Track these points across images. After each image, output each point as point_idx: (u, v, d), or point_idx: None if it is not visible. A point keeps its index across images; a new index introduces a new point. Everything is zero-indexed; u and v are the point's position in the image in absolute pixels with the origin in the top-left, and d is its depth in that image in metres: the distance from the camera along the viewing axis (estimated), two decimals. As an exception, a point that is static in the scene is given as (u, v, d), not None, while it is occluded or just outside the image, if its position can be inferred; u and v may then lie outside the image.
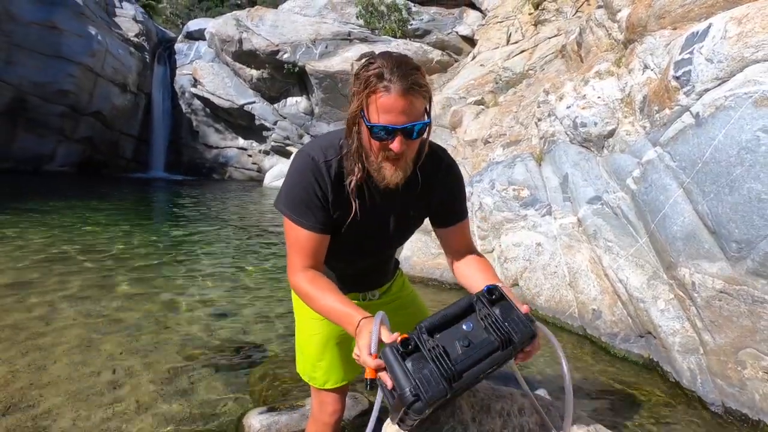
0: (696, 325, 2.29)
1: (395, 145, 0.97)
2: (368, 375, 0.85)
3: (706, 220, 2.20)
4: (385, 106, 0.94)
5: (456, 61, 12.03)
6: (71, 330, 2.85)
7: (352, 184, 1.07)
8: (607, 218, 3.05)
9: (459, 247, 1.24)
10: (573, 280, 3.14)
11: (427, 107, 1.00)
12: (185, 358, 2.58)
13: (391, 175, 1.03)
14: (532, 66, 7.79)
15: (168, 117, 15.15)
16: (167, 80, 15.21)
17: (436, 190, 1.18)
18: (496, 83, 8.10)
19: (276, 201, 1.14)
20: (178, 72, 15.25)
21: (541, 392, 2.01)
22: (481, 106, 7.37)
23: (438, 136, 6.72)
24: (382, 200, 1.13)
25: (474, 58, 10.25)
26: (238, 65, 14.00)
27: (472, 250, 1.25)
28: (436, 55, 12.35)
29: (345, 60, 12.12)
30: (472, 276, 1.17)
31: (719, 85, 2.22)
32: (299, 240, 1.10)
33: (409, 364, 0.81)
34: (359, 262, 1.29)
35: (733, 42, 2.18)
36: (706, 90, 2.28)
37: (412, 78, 0.94)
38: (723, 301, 2.12)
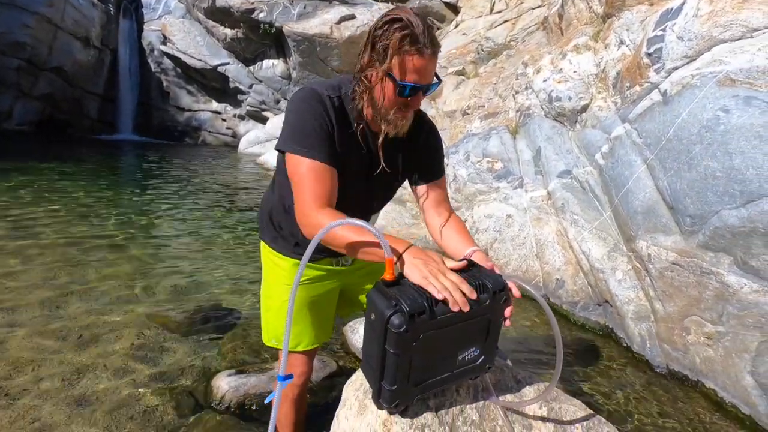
0: (649, 294, 2.43)
1: (416, 101, 1.06)
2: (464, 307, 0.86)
3: (665, 196, 2.29)
4: (416, 68, 1.00)
5: (438, 29, 11.75)
6: (34, 294, 2.78)
7: (354, 113, 1.10)
8: (575, 192, 3.13)
9: (439, 202, 1.29)
10: (540, 251, 3.25)
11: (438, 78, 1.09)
12: (154, 322, 2.57)
13: (402, 125, 1.09)
14: (514, 37, 7.71)
15: (135, 76, 14.34)
16: (134, 36, 14.31)
17: (421, 145, 1.25)
18: (478, 53, 8.00)
19: (278, 143, 1.09)
20: (145, 27, 14.34)
21: (501, 356, 2.11)
22: (462, 77, 7.29)
23: (417, 106, 6.63)
24: (376, 152, 1.16)
25: (457, 26, 10.04)
26: (210, 23, 13.28)
27: (448, 208, 1.31)
28: (418, 21, 12.02)
29: (324, 22, 11.65)
30: (451, 239, 1.23)
31: (688, 63, 2.26)
32: (311, 174, 1.02)
33: (391, 289, 0.88)
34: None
35: (704, 20, 2.21)
36: (675, 68, 2.32)
37: (437, 42, 1.02)
38: (675, 272, 2.24)
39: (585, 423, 1.10)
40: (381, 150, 1.13)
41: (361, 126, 1.11)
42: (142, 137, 14.35)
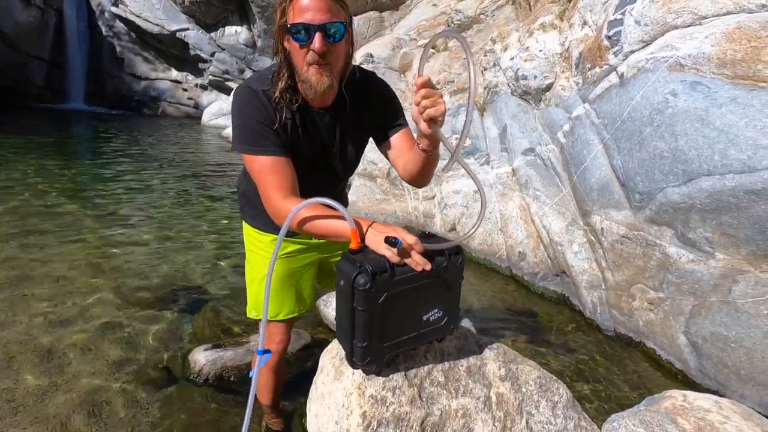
0: (601, 264, 2.64)
1: (315, 44, 1.00)
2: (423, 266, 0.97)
3: (618, 174, 2.46)
4: (303, 6, 0.99)
5: (408, -1, 11.51)
6: (-8, 275, 2.69)
7: (277, 93, 1.09)
8: (538, 169, 3.28)
9: (405, 151, 1.27)
10: (504, 225, 3.41)
11: (346, 20, 1.04)
12: (124, 302, 2.55)
13: (317, 81, 1.04)
14: (484, 10, 7.69)
15: (85, 40, 13.32)
16: (81, -5, 13.21)
17: (373, 104, 1.24)
18: (448, 26, 7.95)
19: (233, 145, 1.15)
20: (93, -14, 13.26)
21: (466, 324, 2.26)
22: (432, 50, 7.26)
23: (387, 79, 6.58)
24: (321, 127, 1.19)
25: (427, -4, 9.87)
26: (167, -16, 12.44)
27: None
28: (388, -10, 11.71)
29: (290, -12, 11.15)
30: (409, 159, 1.22)
31: (643, 47, 2.38)
32: (266, 169, 1.08)
33: (356, 255, 0.97)
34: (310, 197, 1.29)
35: (659, 6, 2.32)
36: (632, 51, 2.44)
37: None
38: (624, 245, 2.44)
39: (538, 380, 1.24)
40: (285, 102, 1.10)
41: (297, 105, 1.12)
42: (95, 107, 13.49)
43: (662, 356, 2.28)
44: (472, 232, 1.09)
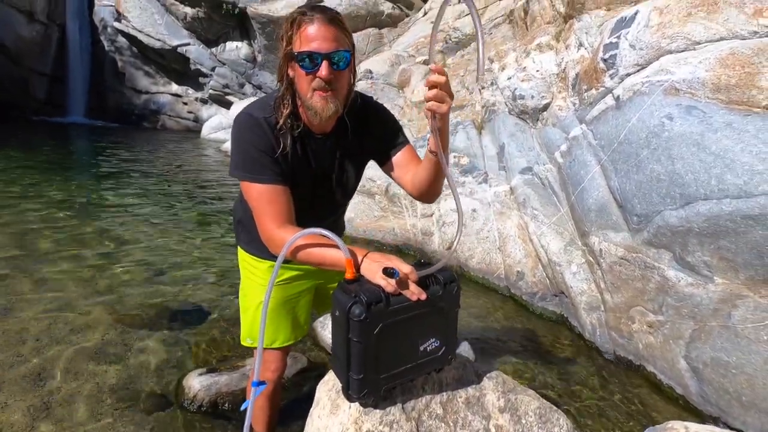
0: (600, 286, 2.62)
1: (322, 71, 1.02)
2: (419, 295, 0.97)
3: (616, 195, 2.46)
4: (310, 35, 1.01)
5: (407, 16, 11.71)
6: (-14, 294, 2.66)
7: (281, 119, 1.10)
8: (536, 188, 3.29)
9: (410, 167, 1.25)
10: (502, 244, 3.40)
11: (350, 49, 1.06)
12: (119, 322, 2.52)
13: (322, 107, 1.06)
14: (481, 28, 7.82)
15: (87, 54, 13.46)
16: (84, 11, 13.39)
17: (372, 128, 1.25)
18: (446, 43, 8.06)
19: (230, 170, 1.15)
20: (97, 2, 13.44)
21: (465, 346, 2.24)
22: (429, 66, 7.35)
23: (386, 95, 6.65)
24: (322, 153, 1.20)
25: (425, 14, 10.05)
26: (169, 0, 12.61)
27: None
28: (387, 7, 11.92)
29: (290, 5, 11.32)
30: (418, 171, 1.20)
31: (638, 71, 2.41)
32: (263, 198, 1.09)
33: (352, 285, 0.97)
34: (309, 223, 1.30)
35: (653, 31, 2.36)
36: (628, 75, 2.47)
37: (333, 12, 1.04)
38: (622, 267, 2.43)
39: (538, 411, 1.22)
40: (287, 128, 1.11)
41: (299, 131, 1.14)
42: (95, 120, 13.57)
43: (663, 381, 2.26)
44: (454, 247, 1.09)
